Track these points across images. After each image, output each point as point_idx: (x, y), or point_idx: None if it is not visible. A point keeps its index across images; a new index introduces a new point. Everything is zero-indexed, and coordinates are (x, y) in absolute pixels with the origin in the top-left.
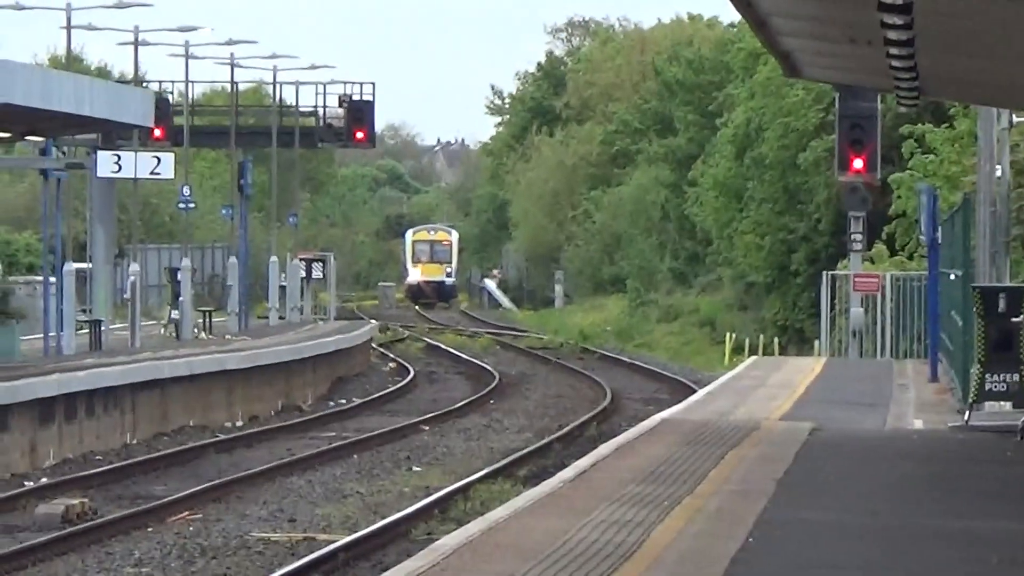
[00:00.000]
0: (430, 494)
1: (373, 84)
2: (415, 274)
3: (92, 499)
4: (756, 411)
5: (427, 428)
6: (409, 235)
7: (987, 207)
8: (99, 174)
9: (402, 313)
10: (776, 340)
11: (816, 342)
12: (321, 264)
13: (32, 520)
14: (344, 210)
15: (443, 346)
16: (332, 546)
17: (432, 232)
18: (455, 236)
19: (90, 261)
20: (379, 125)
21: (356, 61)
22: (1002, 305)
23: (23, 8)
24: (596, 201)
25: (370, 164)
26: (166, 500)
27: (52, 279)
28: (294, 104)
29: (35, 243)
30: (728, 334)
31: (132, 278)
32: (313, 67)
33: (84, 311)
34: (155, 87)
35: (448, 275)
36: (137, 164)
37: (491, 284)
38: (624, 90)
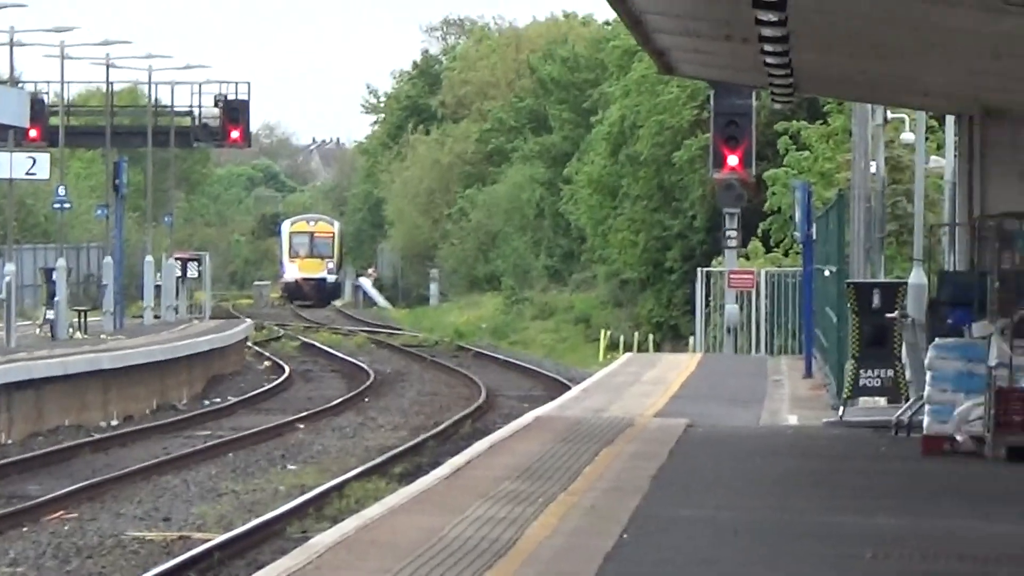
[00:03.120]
0: (305, 492)
1: (248, 84)
2: (292, 271)
3: None
4: (630, 408)
5: (302, 426)
6: (286, 226)
7: (861, 203)
8: None
9: (278, 312)
10: (651, 337)
11: (691, 339)
12: (196, 263)
13: None
14: (219, 209)
15: (318, 344)
16: (207, 545)
17: (312, 223)
18: (337, 228)
19: None
20: (254, 124)
21: (231, 61)
22: (876, 301)
23: None
24: (471, 199)
25: (245, 163)
26: (41, 500)
27: None
28: (169, 104)
29: None
30: (603, 331)
31: (7, 278)
32: (188, 67)
33: None
34: (30, 87)
35: (330, 271)
36: (12, 164)
37: (366, 283)
38: (499, 88)
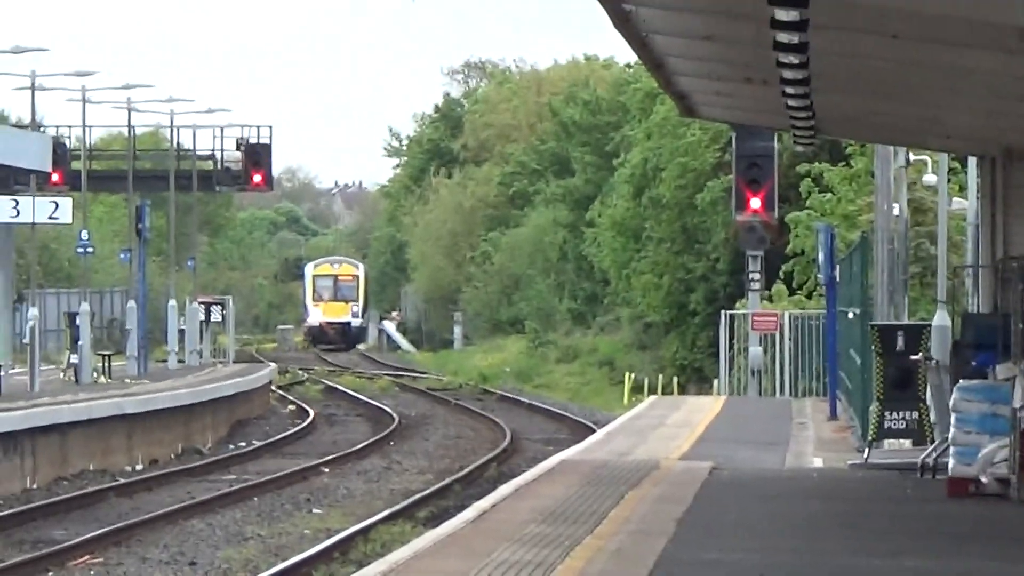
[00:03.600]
0: (331, 536)
1: (270, 127)
2: (316, 314)
3: None
4: (656, 451)
5: (327, 470)
6: (309, 269)
7: (885, 245)
8: None
9: (301, 356)
10: (675, 379)
11: (715, 381)
12: (220, 307)
13: None
14: (243, 253)
15: (342, 388)
16: None
17: (336, 266)
18: (362, 270)
19: None
20: (276, 168)
21: (253, 104)
22: (900, 343)
23: None
24: (494, 242)
25: (268, 207)
26: (66, 544)
27: None
28: (191, 148)
29: None
30: (627, 374)
31: (31, 323)
32: (210, 111)
33: None
34: (52, 132)
35: (354, 315)
36: (35, 209)
37: (390, 326)
38: (521, 131)
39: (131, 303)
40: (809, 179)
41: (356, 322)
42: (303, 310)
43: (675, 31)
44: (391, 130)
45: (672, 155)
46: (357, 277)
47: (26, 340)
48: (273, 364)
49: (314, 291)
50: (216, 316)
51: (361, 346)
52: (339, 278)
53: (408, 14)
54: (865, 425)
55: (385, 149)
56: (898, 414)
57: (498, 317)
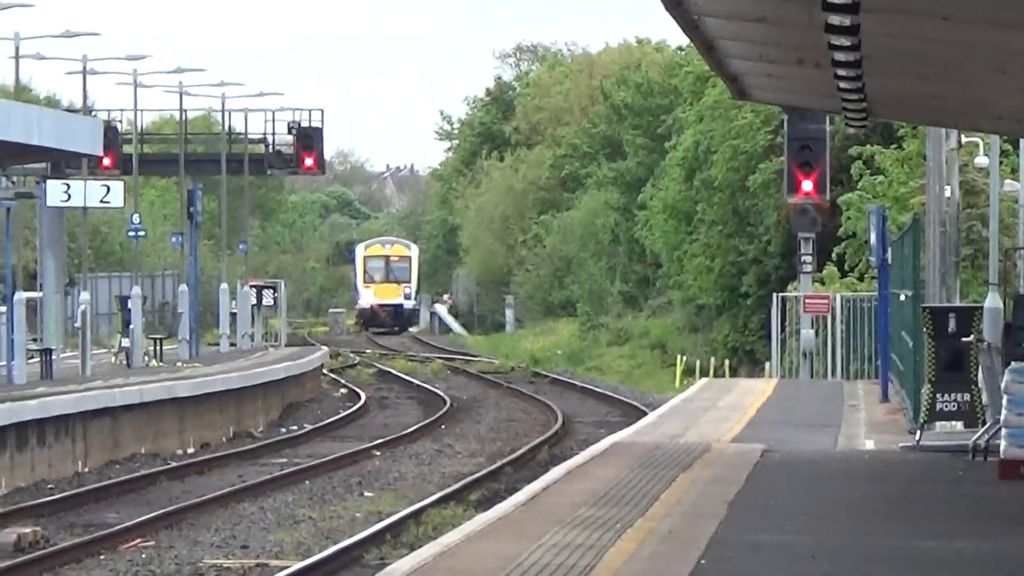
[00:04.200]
0: (382, 519)
1: (322, 111)
2: (367, 296)
3: (44, 527)
4: (707, 433)
5: (379, 453)
6: (360, 250)
7: (936, 227)
8: (48, 203)
9: (353, 339)
10: (727, 362)
11: (767, 363)
12: (272, 291)
13: None
14: (294, 237)
15: (394, 371)
16: (285, 572)
17: (387, 246)
18: (415, 251)
19: (40, 290)
20: (328, 151)
21: (305, 88)
22: (952, 325)
23: None
24: (546, 225)
25: (320, 191)
26: (118, 527)
27: (2, 308)
28: (243, 131)
29: None
30: (679, 356)
31: (82, 306)
32: (261, 94)
33: (35, 340)
34: (104, 116)
35: (407, 297)
36: (87, 193)
37: (441, 309)
38: (573, 114)
39: (182, 287)
40: (861, 161)
41: (408, 304)
42: (354, 292)
43: (726, 13)
44: (443, 113)
45: (724, 138)
46: (409, 258)
47: (78, 324)
48: (324, 347)
49: (365, 273)
50: (268, 300)
51: (413, 329)
52: (391, 259)
53: None
54: (917, 407)
55: (437, 132)
56: (950, 396)
57: (550, 300)
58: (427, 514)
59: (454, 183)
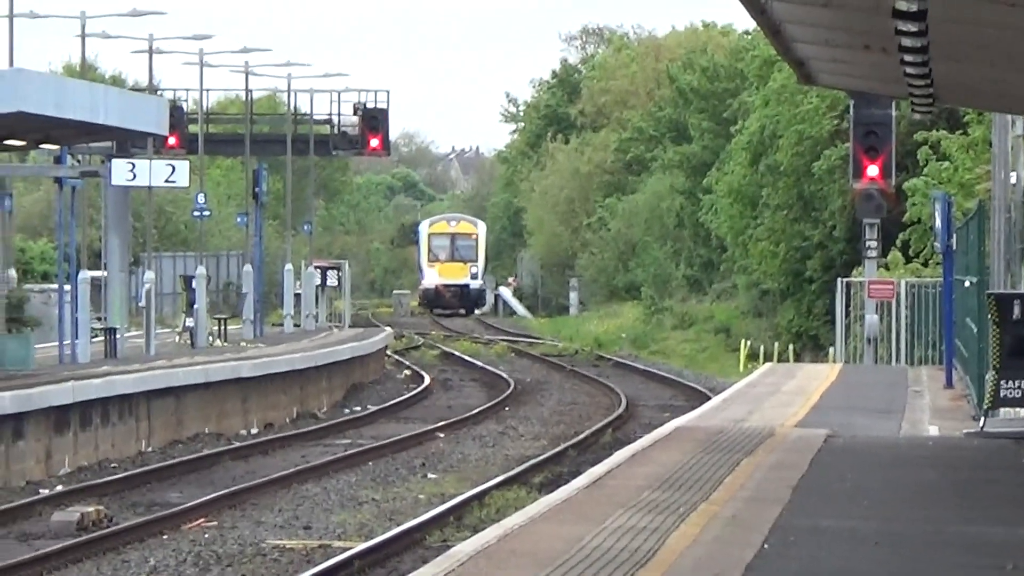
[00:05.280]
0: (445, 501)
1: (387, 92)
2: (431, 276)
3: (107, 506)
4: (771, 418)
5: (442, 435)
6: (424, 227)
7: (1002, 214)
8: (114, 182)
9: (417, 321)
10: (791, 347)
11: (831, 349)
12: (336, 271)
13: (47, 527)
14: (359, 218)
15: (458, 353)
16: (348, 553)
17: (453, 223)
18: (482, 228)
19: (105, 269)
20: (393, 133)
21: (370, 69)
22: (1017, 312)
23: (38, 16)
24: (611, 208)
25: (385, 172)
26: (181, 507)
27: (67, 287)
28: (308, 112)
29: (50, 251)
30: (743, 341)
31: (147, 286)
32: (327, 75)
33: (99, 319)
34: (169, 95)
35: (473, 276)
36: (152, 172)
37: (506, 292)
38: (639, 97)
39: (247, 267)
40: (927, 147)
41: (475, 284)
42: (418, 272)
43: None
44: (508, 96)
45: (789, 122)
46: (476, 236)
47: (142, 304)
48: (388, 329)
49: (429, 251)
50: (332, 280)
51: (478, 311)
52: (457, 236)
53: None
54: (981, 394)
55: (502, 114)
56: (1014, 383)
57: (614, 283)
58: (490, 496)
59: (519, 165)
